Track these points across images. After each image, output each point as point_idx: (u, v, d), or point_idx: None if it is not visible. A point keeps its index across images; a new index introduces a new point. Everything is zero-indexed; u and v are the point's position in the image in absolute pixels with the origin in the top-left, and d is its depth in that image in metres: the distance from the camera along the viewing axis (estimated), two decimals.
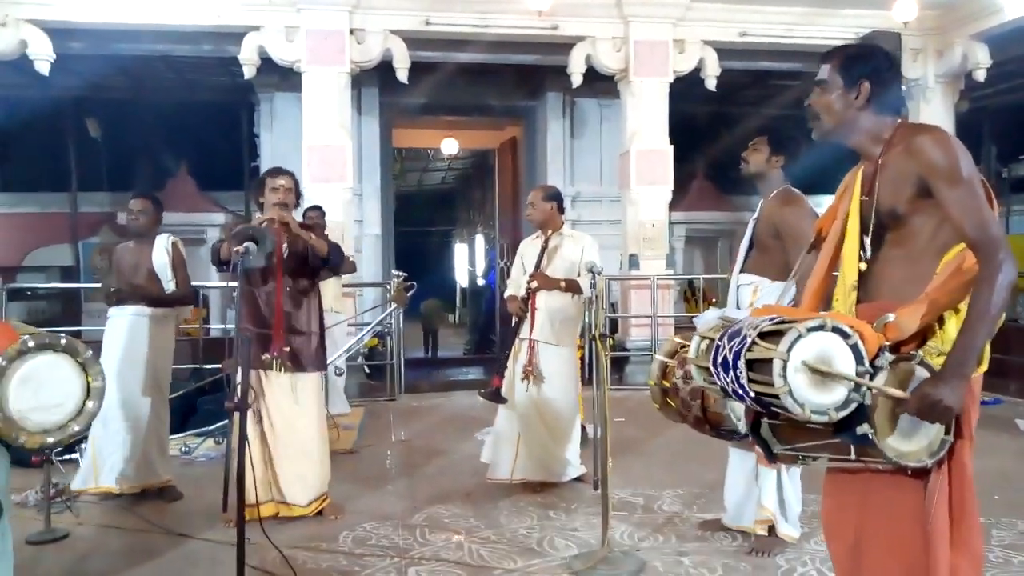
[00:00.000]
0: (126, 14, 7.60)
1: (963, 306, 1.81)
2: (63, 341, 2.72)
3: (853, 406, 1.73)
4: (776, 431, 1.96)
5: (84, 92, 10.53)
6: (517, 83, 10.68)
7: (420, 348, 14.10)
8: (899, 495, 1.86)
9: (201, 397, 6.10)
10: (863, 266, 1.98)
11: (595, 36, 8.38)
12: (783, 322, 1.77)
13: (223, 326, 9.19)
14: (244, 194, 11.76)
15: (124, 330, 4.38)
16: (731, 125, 10.76)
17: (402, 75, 8.14)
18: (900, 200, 1.91)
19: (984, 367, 1.86)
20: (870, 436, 1.74)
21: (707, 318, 2.12)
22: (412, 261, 11.74)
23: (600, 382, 3.61)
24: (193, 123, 11.21)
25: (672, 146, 8.52)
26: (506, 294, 4.76)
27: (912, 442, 1.79)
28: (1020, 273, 1.89)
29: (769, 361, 1.72)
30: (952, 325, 1.83)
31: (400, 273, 6.95)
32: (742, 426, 2.15)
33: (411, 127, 12.02)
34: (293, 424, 3.97)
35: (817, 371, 1.71)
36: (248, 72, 8.00)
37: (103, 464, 4.34)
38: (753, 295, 3.36)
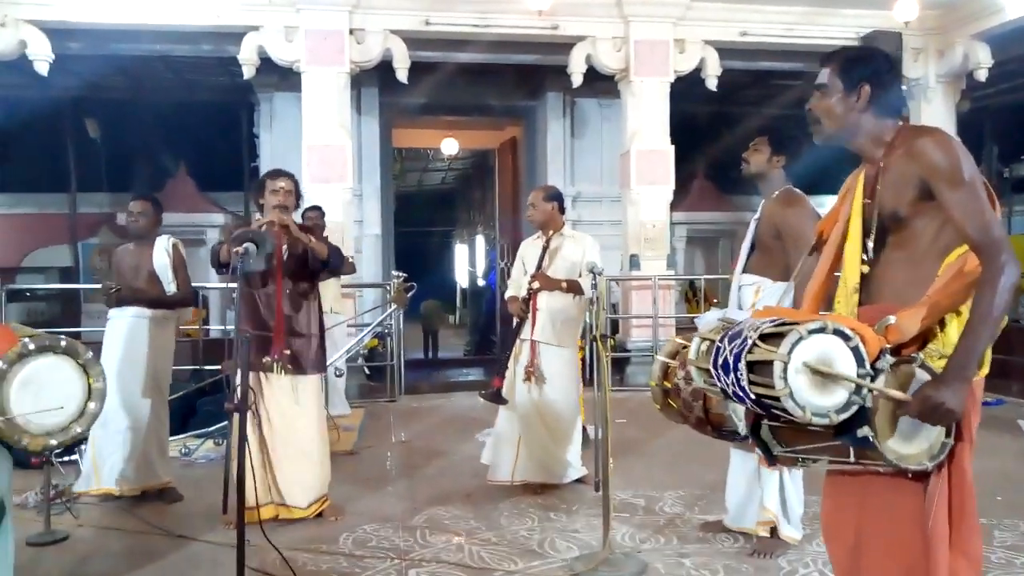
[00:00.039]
0: (125, 14, 7.60)
1: (964, 308, 1.81)
2: (63, 343, 2.72)
3: (854, 408, 1.73)
4: (776, 433, 1.96)
5: (83, 92, 10.52)
6: (517, 83, 10.68)
7: (420, 349, 14.09)
8: (899, 497, 1.86)
9: (201, 398, 6.10)
10: (865, 268, 1.97)
11: (595, 36, 8.38)
12: (784, 324, 1.76)
13: (223, 327, 9.18)
14: (244, 195, 11.76)
15: (124, 331, 4.38)
16: (732, 125, 10.75)
17: (402, 75, 8.14)
18: (902, 203, 1.90)
19: (985, 370, 1.85)
20: (870, 438, 1.74)
21: (708, 319, 2.12)
22: (412, 262, 11.74)
23: (601, 383, 3.60)
24: (192, 123, 11.20)
25: (673, 146, 8.52)
26: (507, 295, 4.75)
27: (912, 445, 1.79)
28: (1023, 275, 1.87)
29: (770, 363, 1.71)
30: (953, 328, 1.82)
31: (400, 274, 6.95)
32: (743, 427, 2.14)
33: (411, 127, 12.02)
34: (293, 425, 3.96)
35: (818, 373, 1.70)
36: (247, 72, 8.00)
37: (103, 465, 4.33)
38: (755, 296, 3.35)
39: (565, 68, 8.53)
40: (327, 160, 7.87)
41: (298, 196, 4.18)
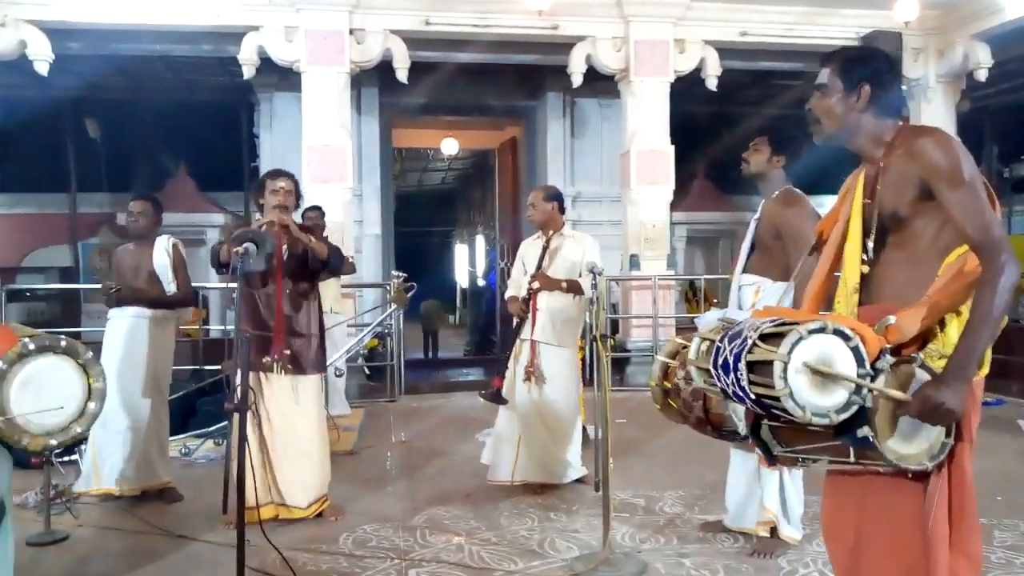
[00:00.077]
0: (125, 14, 7.60)
1: (964, 309, 1.81)
2: (63, 343, 2.72)
3: (854, 408, 1.73)
4: (776, 433, 1.96)
5: (83, 92, 10.52)
6: (517, 83, 10.68)
7: (420, 349, 14.09)
8: (899, 497, 1.86)
9: (201, 398, 6.10)
10: (865, 268, 1.97)
11: (595, 36, 8.38)
12: (784, 324, 1.76)
13: (223, 327, 9.18)
14: (244, 194, 11.76)
15: (124, 332, 4.38)
16: (732, 125, 10.76)
17: (402, 75, 8.14)
18: (902, 203, 1.90)
19: (985, 370, 1.85)
20: (870, 438, 1.74)
21: (708, 319, 2.12)
22: (412, 262, 11.74)
23: (601, 383, 3.60)
24: (192, 123, 11.20)
25: (673, 146, 8.52)
26: (506, 295, 4.75)
27: (912, 445, 1.79)
28: (1023, 274, 1.88)
29: (770, 363, 1.71)
30: (953, 328, 1.82)
31: (400, 274, 6.95)
32: (743, 427, 2.15)
33: (411, 127, 12.02)
34: (293, 425, 3.96)
35: (818, 373, 1.70)
36: (247, 72, 8.00)
37: (103, 465, 4.33)
38: (755, 296, 3.35)
39: (565, 68, 8.54)
40: (327, 160, 7.87)
41: (298, 196, 4.18)
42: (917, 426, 1.78)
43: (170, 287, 4.45)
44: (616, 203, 9.55)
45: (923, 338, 1.83)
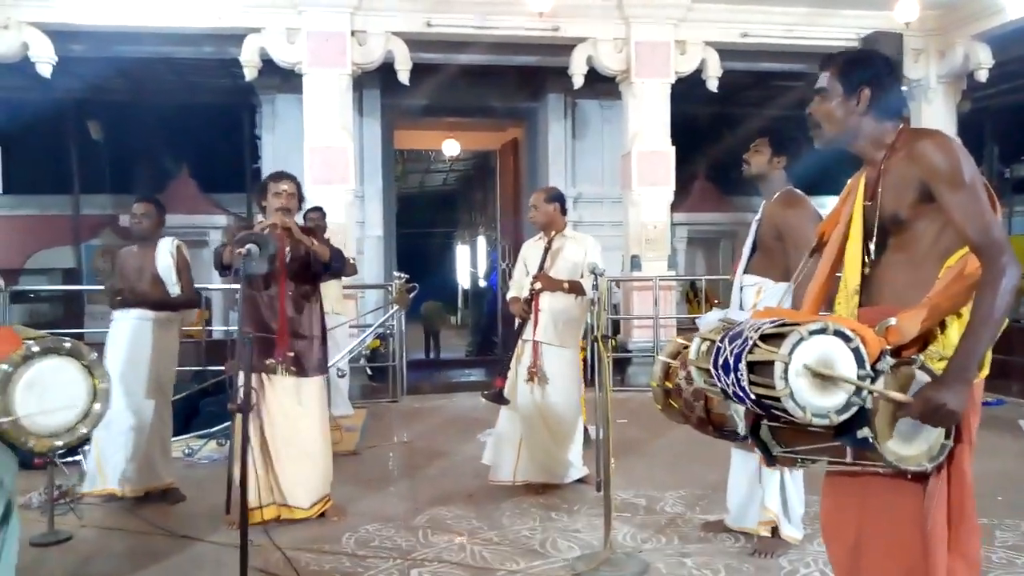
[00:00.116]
0: (127, 16, 7.62)
1: (965, 311, 1.81)
2: (67, 344, 2.73)
3: (854, 409, 1.73)
4: (776, 433, 1.96)
5: (86, 94, 10.55)
6: (518, 84, 10.69)
7: (422, 350, 14.10)
8: (898, 498, 1.87)
9: (204, 399, 6.11)
10: (866, 270, 1.98)
11: (596, 37, 8.38)
12: (785, 325, 1.77)
13: (225, 328, 9.20)
14: (246, 196, 11.77)
15: (128, 333, 4.39)
16: (733, 126, 10.76)
17: (403, 77, 8.15)
18: (903, 205, 1.91)
19: (985, 371, 1.86)
20: (870, 440, 1.75)
21: (709, 320, 2.13)
22: (414, 263, 11.72)
23: (602, 383, 3.61)
24: (194, 125, 11.22)
25: (674, 147, 8.52)
26: (508, 296, 4.76)
27: (912, 446, 1.80)
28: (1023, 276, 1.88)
29: (770, 363, 1.72)
30: (954, 330, 1.83)
31: (402, 275, 6.97)
32: (743, 427, 2.15)
33: (412, 129, 12.03)
34: (296, 426, 3.98)
35: (818, 374, 1.71)
36: (249, 74, 8.02)
37: (107, 466, 4.35)
38: (756, 296, 3.36)
39: (566, 69, 8.54)
40: (329, 162, 7.89)
41: (300, 198, 4.19)
42: (917, 427, 1.79)
43: (174, 289, 4.46)
44: (617, 204, 9.56)
45: (923, 340, 1.84)
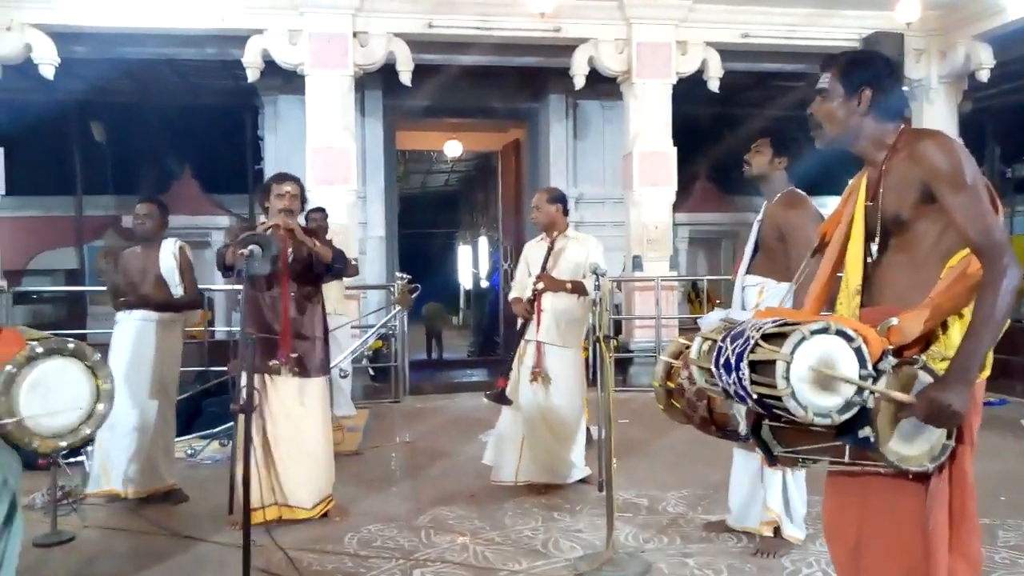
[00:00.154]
0: (130, 18, 7.63)
1: (967, 311, 1.82)
2: (71, 345, 2.74)
3: (855, 409, 1.73)
4: (777, 433, 1.97)
5: (89, 96, 10.56)
6: (520, 85, 10.69)
7: (423, 351, 14.10)
8: (900, 498, 1.87)
9: (206, 399, 6.12)
10: (868, 271, 1.98)
11: (597, 38, 8.39)
12: (786, 324, 1.78)
13: (228, 329, 9.21)
14: (248, 197, 11.79)
15: (131, 335, 4.40)
16: (734, 126, 10.76)
17: (405, 78, 8.16)
18: (904, 205, 1.91)
19: (987, 372, 1.86)
20: (872, 440, 1.75)
21: (711, 320, 2.13)
22: (416, 263, 11.74)
23: (604, 384, 3.62)
24: (197, 126, 11.24)
25: (675, 148, 8.52)
26: (510, 296, 4.77)
27: (914, 446, 1.80)
28: None
29: (772, 363, 1.72)
30: (956, 330, 1.83)
31: (404, 275, 6.97)
32: (744, 427, 2.16)
33: (414, 129, 12.04)
34: (298, 427, 3.98)
35: (820, 374, 1.71)
36: (252, 75, 8.03)
37: (110, 467, 4.36)
38: (759, 296, 3.37)
39: (567, 70, 8.55)
40: (331, 162, 7.90)
41: (303, 200, 4.21)
42: (918, 427, 1.79)
43: (177, 290, 4.47)
44: (619, 204, 9.56)
45: (925, 340, 1.84)
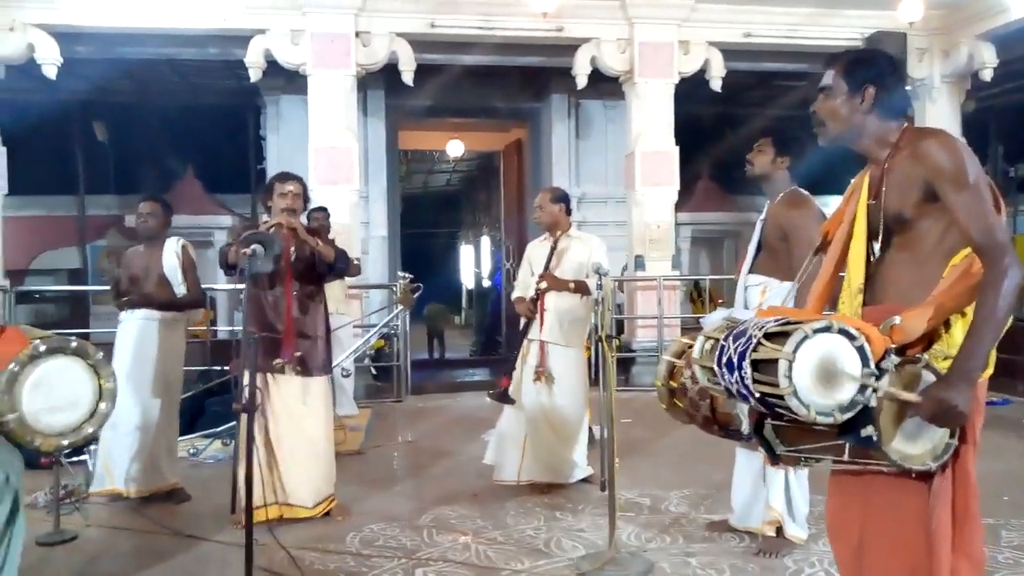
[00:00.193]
0: (132, 18, 7.65)
1: (970, 310, 1.81)
2: (74, 344, 2.74)
3: (858, 408, 1.73)
4: (780, 432, 1.96)
5: (91, 96, 10.58)
6: (522, 85, 10.70)
7: (426, 351, 14.09)
8: (902, 497, 1.87)
9: (209, 399, 6.13)
10: (870, 269, 1.98)
11: (600, 38, 8.39)
12: (789, 323, 1.77)
13: (231, 328, 9.22)
14: (251, 197, 11.80)
15: (134, 334, 4.41)
16: (736, 126, 10.76)
17: (407, 78, 8.17)
18: (907, 204, 1.91)
19: (990, 371, 1.85)
20: (874, 438, 1.74)
21: (714, 319, 2.13)
22: (418, 263, 11.73)
23: (607, 383, 3.62)
24: (199, 126, 11.25)
25: (677, 147, 8.52)
26: (513, 296, 4.77)
27: (916, 445, 1.79)
28: None
29: (774, 362, 1.72)
30: (959, 329, 1.82)
31: (406, 275, 6.97)
32: (747, 426, 2.16)
33: (417, 129, 12.05)
34: (300, 426, 3.99)
35: (823, 373, 1.71)
36: (254, 75, 8.05)
37: (113, 466, 4.36)
38: (762, 296, 3.36)
39: (570, 70, 8.55)
40: (333, 162, 7.91)
41: (306, 199, 4.21)
42: (921, 426, 1.78)
43: (180, 289, 4.47)
44: (621, 204, 9.56)
45: (928, 339, 1.84)
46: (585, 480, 4.57)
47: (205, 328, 8.19)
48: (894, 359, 1.77)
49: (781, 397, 1.71)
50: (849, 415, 1.73)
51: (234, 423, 4.61)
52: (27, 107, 9.83)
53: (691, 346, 2.34)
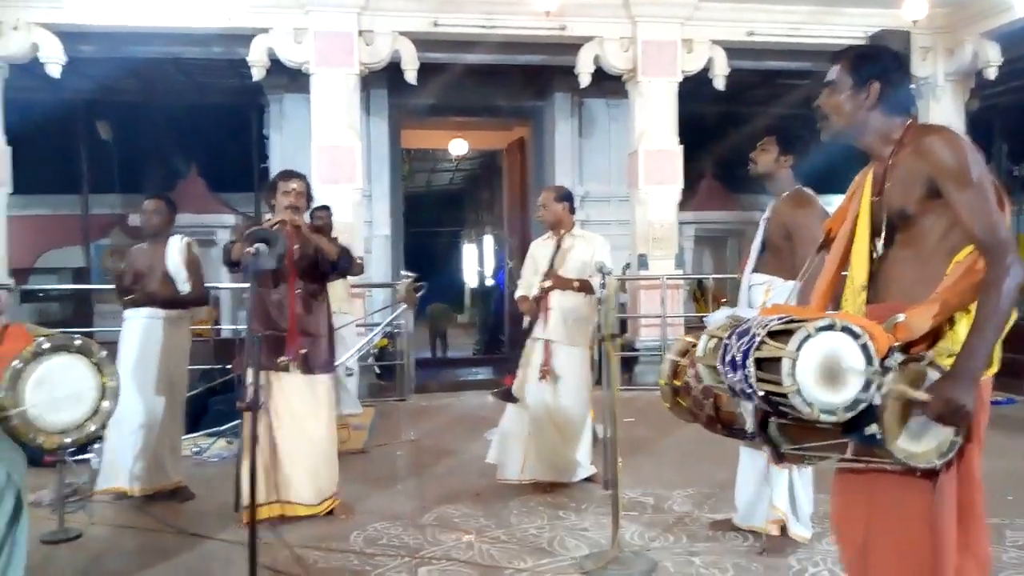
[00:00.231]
0: (136, 17, 7.66)
1: (974, 307, 1.81)
2: (77, 342, 2.75)
3: (862, 406, 1.73)
4: (784, 431, 1.96)
5: (95, 95, 10.60)
6: (525, 84, 10.70)
7: (428, 350, 14.10)
8: (907, 496, 1.86)
9: (212, 397, 6.14)
10: (873, 267, 1.97)
11: (603, 36, 8.38)
12: (792, 321, 1.77)
13: (234, 327, 9.24)
14: (254, 195, 11.83)
15: (139, 332, 4.42)
16: (740, 124, 10.74)
17: (410, 76, 8.16)
18: (910, 201, 1.91)
19: (995, 368, 1.85)
20: (879, 436, 1.74)
21: (717, 318, 2.13)
22: (421, 262, 11.76)
23: (610, 382, 3.62)
24: (203, 125, 11.26)
25: (681, 146, 8.51)
26: (517, 294, 4.77)
27: (921, 443, 1.79)
28: None
29: (778, 360, 1.72)
30: (963, 326, 1.82)
31: (409, 274, 6.97)
32: (751, 425, 2.15)
33: (420, 128, 12.06)
34: (303, 425, 3.99)
35: (826, 371, 1.71)
36: (257, 74, 8.05)
37: (118, 464, 4.37)
38: (765, 295, 3.36)
39: (573, 69, 8.54)
40: (336, 161, 7.91)
41: (309, 198, 4.22)
42: (926, 424, 1.78)
43: (184, 287, 4.48)
44: (624, 203, 9.55)
45: (933, 336, 1.83)
46: (588, 479, 4.57)
47: (209, 327, 8.19)
48: (898, 357, 1.77)
49: (785, 395, 1.71)
50: (853, 413, 1.72)
51: (238, 421, 4.62)
52: (31, 106, 9.83)
53: (694, 345, 2.34)
